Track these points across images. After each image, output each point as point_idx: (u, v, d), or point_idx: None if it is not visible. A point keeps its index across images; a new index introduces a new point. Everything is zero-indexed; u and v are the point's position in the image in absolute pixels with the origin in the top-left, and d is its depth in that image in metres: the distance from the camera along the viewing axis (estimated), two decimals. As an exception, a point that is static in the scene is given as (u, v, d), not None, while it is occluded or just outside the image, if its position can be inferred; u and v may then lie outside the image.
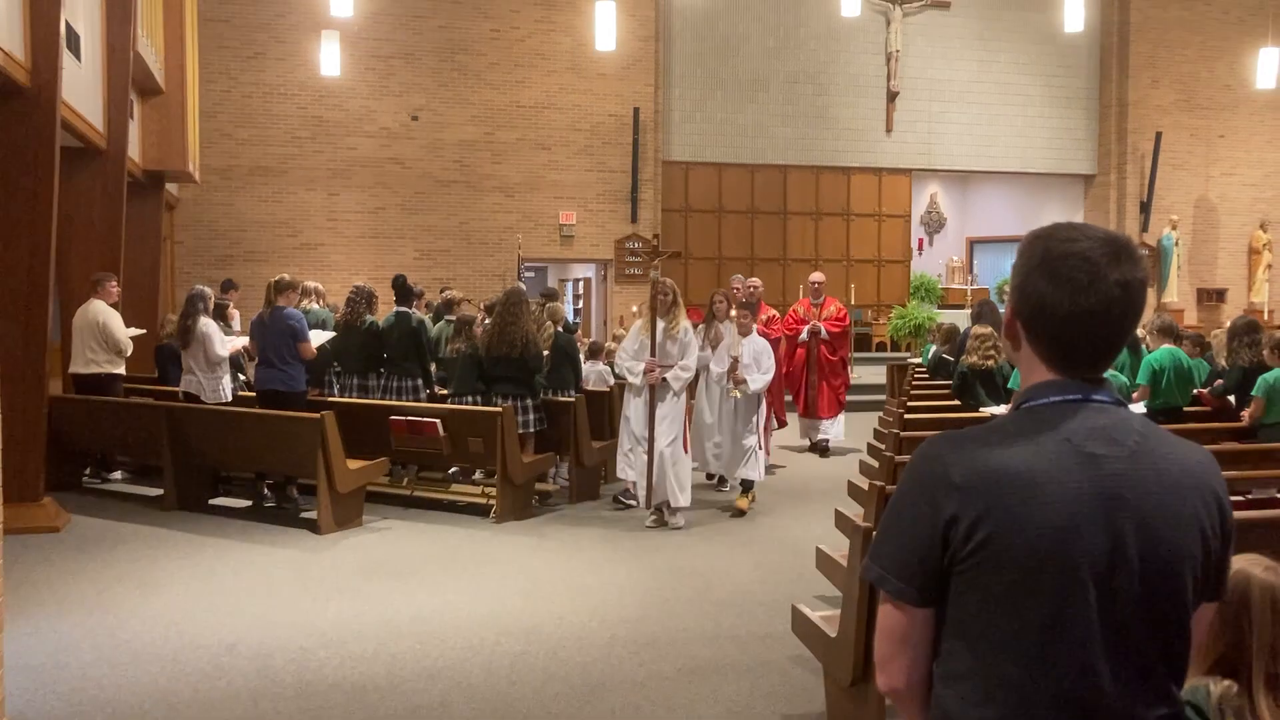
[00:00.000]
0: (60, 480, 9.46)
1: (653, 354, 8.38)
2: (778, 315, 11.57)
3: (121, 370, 9.97)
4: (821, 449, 12.30)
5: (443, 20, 18.75)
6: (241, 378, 10.93)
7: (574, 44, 18.94)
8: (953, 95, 21.37)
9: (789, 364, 12.08)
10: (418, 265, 18.32)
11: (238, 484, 9.82)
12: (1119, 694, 1.59)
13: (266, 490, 9.34)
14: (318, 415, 8.36)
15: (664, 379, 8.34)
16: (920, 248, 24.44)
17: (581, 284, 23.29)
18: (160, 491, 9.28)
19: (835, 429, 12.40)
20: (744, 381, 8.86)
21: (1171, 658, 1.64)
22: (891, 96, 21.07)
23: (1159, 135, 21.46)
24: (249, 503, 9.36)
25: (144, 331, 11.10)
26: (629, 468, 8.75)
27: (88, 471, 10.37)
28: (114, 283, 9.98)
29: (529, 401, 9.19)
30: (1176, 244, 21.67)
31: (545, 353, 9.60)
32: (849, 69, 20.93)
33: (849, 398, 16.22)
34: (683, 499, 8.44)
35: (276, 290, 9.27)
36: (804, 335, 12.21)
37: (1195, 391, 9.03)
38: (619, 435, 9.05)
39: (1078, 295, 1.63)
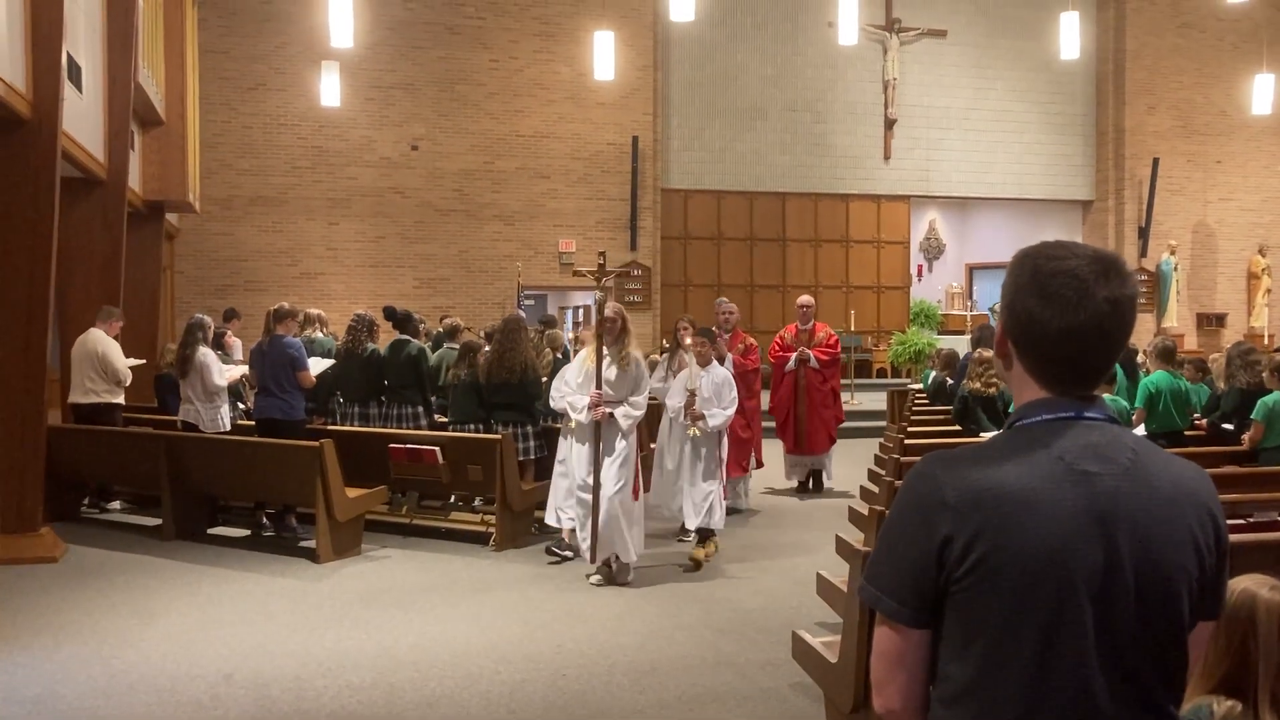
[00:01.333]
0: (59, 510, 9.43)
1: (598, 388, 7.43)
2: (756, 344, 10.51)
3: (120, 400, 9.96)
4: (809, 484, 11.35)
5: (442, 51, 18.88)
6: (242, 406, 10.91)
7: (573, 74, 19.07)
8: (950, 122, 21.49)
9: (776, 395, 11.35)
10: (418, 294, 18.36)
11: (236, 513, 9.79)
12: (1115, 712, 1.57)
13: (265, 519, 9.31)
14: (316, 444, 8.34)
15: (611, 416, 7.40)
16: (920, 274, 24.52)
17: (581, 311, 23.31)
18: (159, 521, 9.24)
19: (828, 466, 11.40)
20: (702, 417, 8.01)
21: (1168, 676, 1.62)
22: (889, 124, 21.20)
23: (1156, 161, 21.57)
24: (248, 532, 9.32)
25: (144, 361, 11.10)
26: (564, 515, 7.97)
27: (86, 501, 10.34)
28: (119, 322, 10.02)
29: (529, 429, 9.17)
30: (1175, 269, 21.73)
31: (545, 380, 9.58)
32: (847, 97, 21.06)
33: (849, 424, 16.32)
34: (633, 552, 7.53)
35: (275, 319, 9.27)
36: (791, 363, 11.18)
37: (1195, 419, 9.02)
38: (553, 479, 8.25)
39: (1067, 313, 1.62)
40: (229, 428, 9.65)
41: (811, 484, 11.39)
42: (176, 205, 14.76)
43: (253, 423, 9.56)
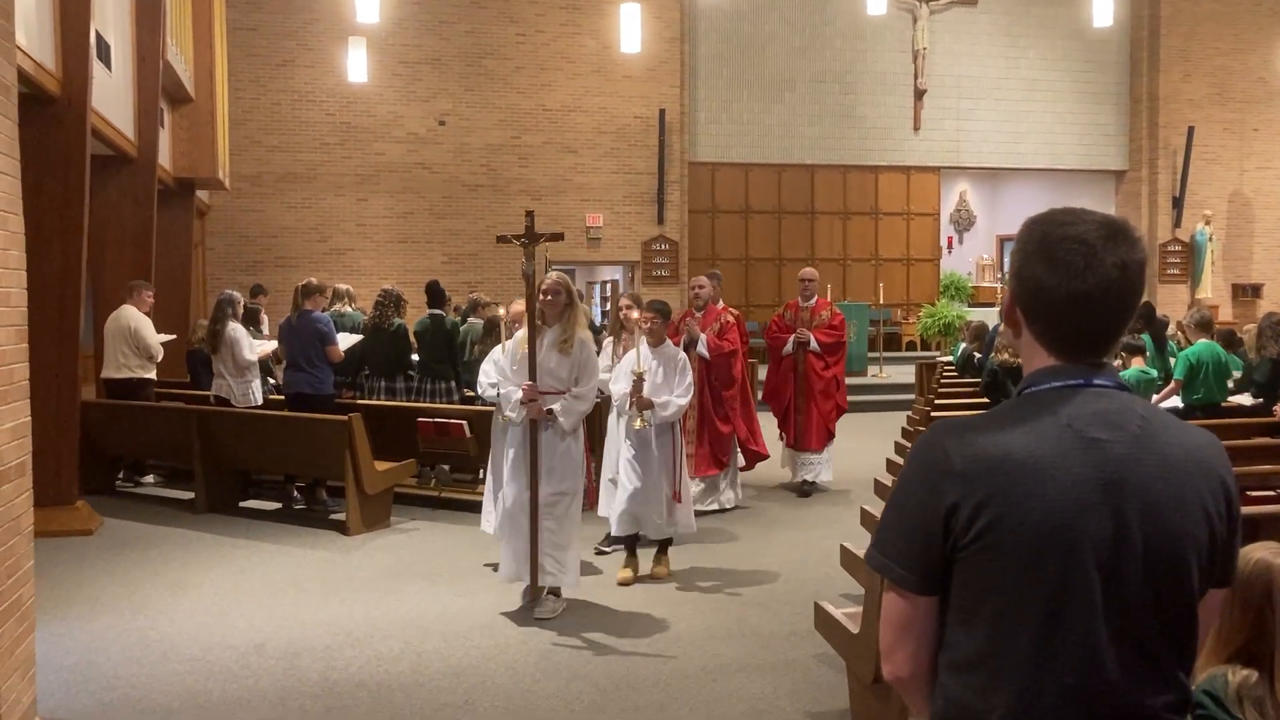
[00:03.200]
0: (94, 484, 9.58)
1: (532, 378, 6.06)
2: (734, 321, 8.98)
3: (153, 375, 10.09)
4: (804, 491, 9.71)
5: (469, 25, 18.84)
6: (271, 381, 11.02)
7: (599, 47, 18.98)
8: (981, 92, 21.24)
9: (771, 382, 9.96)
10: (446, 269, 18.41)
11: (268, 487, 9.91)
12: (1124, 680, 1.57)
13: (296, 493, 9.41)
14: (345, 418, 8.42)
15: (550, 411, 6.08)
16: (950, 246, 24.33)
17: (609, 286, 23.33)
18: (192, 495, 9.37)
19: (823, 469, 9.82)
20: (650, 406, 6.67)
21: (1178, 644, 1.62)
22: (919, 94, 20.97)
23: (1191, 130, 21.23)
24: (279, 505, 9.43)
25: (175, 337, 11.23)
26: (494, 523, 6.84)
27: (121, 475, 10.48)
28: (149, 291, 10.11)
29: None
30: (1210, 239, 21.42)
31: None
32: (876, 67, 20.85)
33: (877, 398, 16.26)
34: (566, 579, 6.21)
35: (304, 294, 9.35)
36: (789, 346, 9.69)
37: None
38: (486, 480, 7.23)
39: (1074, 278, 1.61)
40: (261, 402, 9.75)
41: (827, 477, 9.92)
42: (206, 182, 14.86)
43: (283, 397, 9.66)
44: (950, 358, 13.51)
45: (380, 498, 8.61)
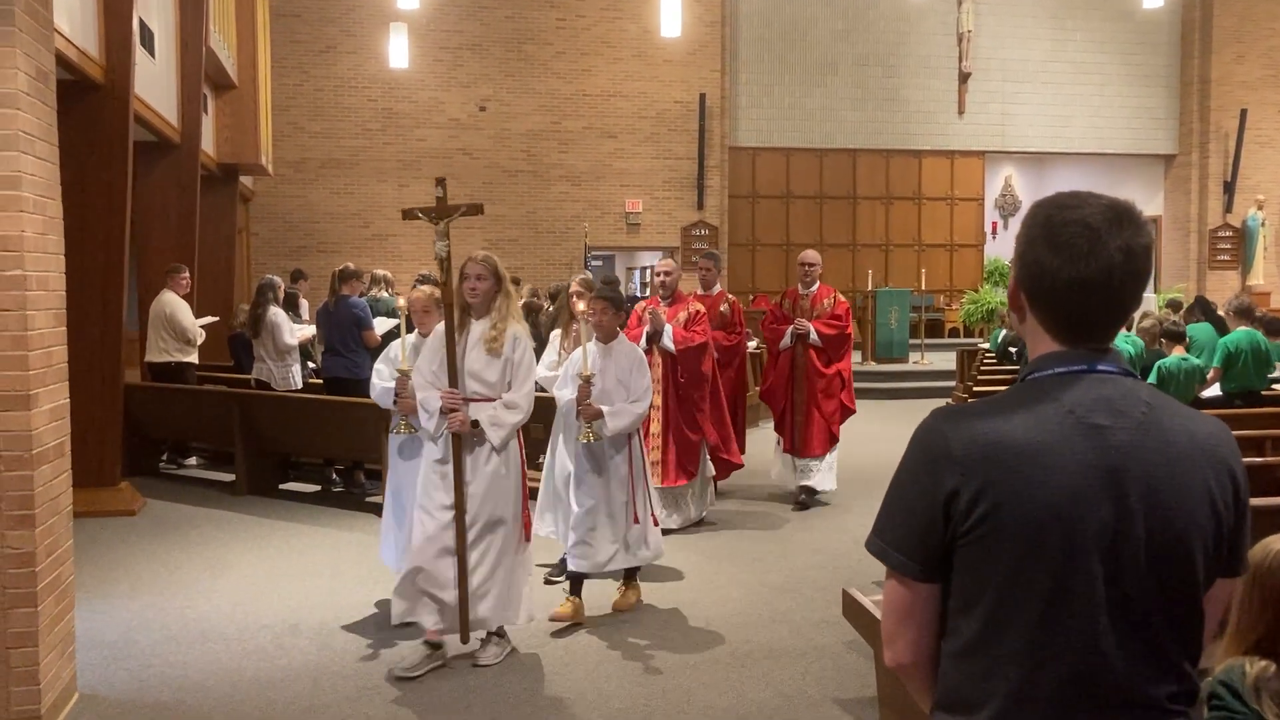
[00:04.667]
0: (137, 465, 9.75)
1: (454, 381, 5.03)
2: (704, 310, 7.92)
3: (194, 359, 10.24)
4: (801, 501, 8.65)
5: (509, 10, 18.86)
6: (311, 365, 11.15)
7: (640, 31, 18.93)
8: (1027, 75, 20.94)
9: (768, 379, 8.98)
10: (486, 254, 18.45)
11: (307, 469, 10.03)
12: (1127, 670, 1.55)
13: (334, 475, 9.52)
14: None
15: (475, 424, 5.01)
16: (994, 231, 24.02)
17: (648, 272, 23.30)
18: (232, 477, 9.50)
19: (824, 476, 8.71)
20: (599, 415, 5.62)
21: (1183, 634, 1.59)
22: (964, 77, 20.71)
23: (1244, 112, 20.80)
24: (317, 488, 9.54)
25: (216, 320, 11.38)
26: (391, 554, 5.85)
27: (164, 457, 10.66)
28: (185, 275, 10.25)
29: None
30: (1263, 224, 21.00)
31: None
32: (920, 50, 20.63)
33: (917, 384, 16.14)
34: (510, 614, 5.21)
35: (341, 279, 9.44)
36: (787, 339, 8.61)
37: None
38: (384, 508, 6.07)
39: (1077, 262, 1.59)
40: (300, 385, 9.87)
41: (830, 486, 8.82)
42: (249, 168, 15.02)
43: (321, 381, 9.77)
44: (990, 344, 13.37)
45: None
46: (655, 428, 7.54)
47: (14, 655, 4.33)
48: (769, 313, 9.02)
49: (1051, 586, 1.54)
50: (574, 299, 6.42)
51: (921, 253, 21.33)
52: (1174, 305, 12.26)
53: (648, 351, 7.32)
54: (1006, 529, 1.55)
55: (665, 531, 7.23)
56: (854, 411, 8.91)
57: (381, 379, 5.84)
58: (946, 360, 16.95)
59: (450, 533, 4.99)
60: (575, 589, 5.90)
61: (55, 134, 4.84)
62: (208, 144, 12.91)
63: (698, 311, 7.82)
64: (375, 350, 9.52)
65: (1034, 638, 1.55)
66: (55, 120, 4.84)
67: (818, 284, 8.75)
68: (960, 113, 20.92)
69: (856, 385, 15.93)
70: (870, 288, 17.83)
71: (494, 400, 5.07)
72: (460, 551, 5.01)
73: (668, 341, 7.58)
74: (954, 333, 20.99)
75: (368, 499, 8.99)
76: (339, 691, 4.92)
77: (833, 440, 8.67)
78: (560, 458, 6.35)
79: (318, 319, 9.72)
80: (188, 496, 9.22)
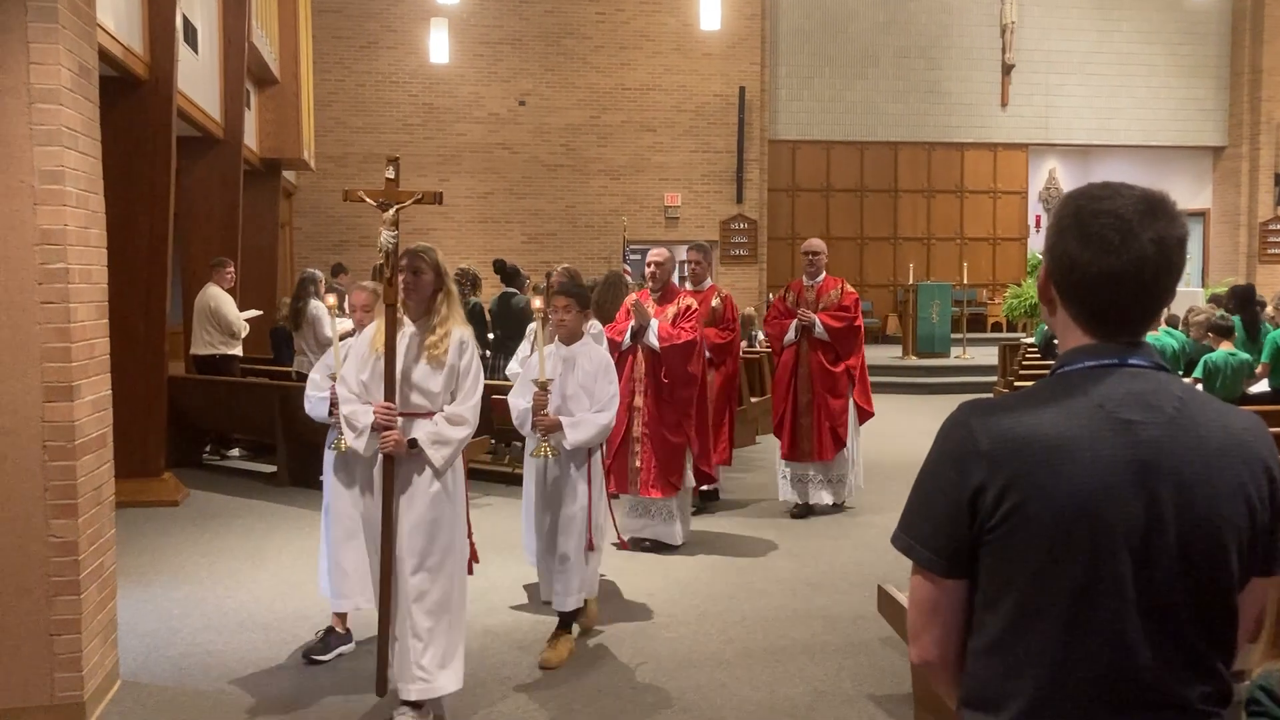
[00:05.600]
0: (181, 457, 9.88)
1: (389, 393, 4.27)
2: (696, 306, 7.25)
3: (237, 351, 10.36)
4: (797, 512, 8.07)
5: (549, 5, 18.89)
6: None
7: (679, 24, 18.89)
8: (1071, 67, 20.67)
9: (774, 377, 8.45)
10: (525, 249, 18.55)
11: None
12: (1157, 669, 1.52)
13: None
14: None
15: (414, 442, 4.29)
16: (1038, 224, 23.72)
17: (687, 266, 23.25)
18: (274, 468, 9.60)
19: (831, 485, 8.15)
20: (557, 427, 5.02)
21: (1216, 633, 1.56)
22: (1007, 69, 20.49)
23: (1296, 103, 20.39)
24: (357, 480, 9.61)
25: (260, 313, 11.50)
26: (342, 593, 5.21)
27: (207, 449, 10.79)
28: (230, 269, 10.37)
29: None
30: (1315, 217, 20.59)
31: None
32: (962, 42, 20.42)
33: (958, 379, 16.00)
34: (445, 681, 4.33)
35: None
36: (791, 334, 8.03)
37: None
38: (321, 536, 5.42)
39: (1108, 255, 1.55)
40: (341, 379, 9.95)
41: (828, 500, 8.19)
42: (292, 163, 15.17)
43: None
44: (1033, 339, 13.22)
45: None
46: (637, 431, 6.97)
47: (57, 642, 4.40)
48: (773, 306, 8.40)
49: (1079, 583, 1.52)
50: (532, 297, 5.79)
51: (964, 246, 21.13)
52: (1217, 300, 12.04)
53: (631, 349, 6.98)
54: (1033, 525, 1.52)
55: (642, 545, 7.06)
56: (871, 414, 8.26)
57: (317, 389, 5.24)
58: (988, 355, 16.78)
59: (414, 579, 4.28)
60: (565, 625, 5.30)
61: (98, 129, 4.90)
62: (250, 139, 13.04)
63: (689, 307, 7.14)
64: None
65: (1061, 635, 1.52)
66: (98, 116, 4.90)
67: (824, 274, 8.16)
68: (1003, 105, 20.70)
69: (897, 380, 16.07)
70: (911, 281, 17.68)
71: (428, 414, 4.32)
72: (384, 592, 4.28)
73: (653, 338, 6.92)
74: (996, 327, 20.78)
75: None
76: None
77: (839, 444, 8.00)
78: (526, 492, 5.78)
79: (358, 312, 9.79)
80: (230, 487, 9.34)
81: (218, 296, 10.10)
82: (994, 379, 14.77)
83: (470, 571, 4.62)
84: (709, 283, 8.21)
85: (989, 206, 21.27)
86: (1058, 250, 1.61)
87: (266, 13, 13.48)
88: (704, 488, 8.05)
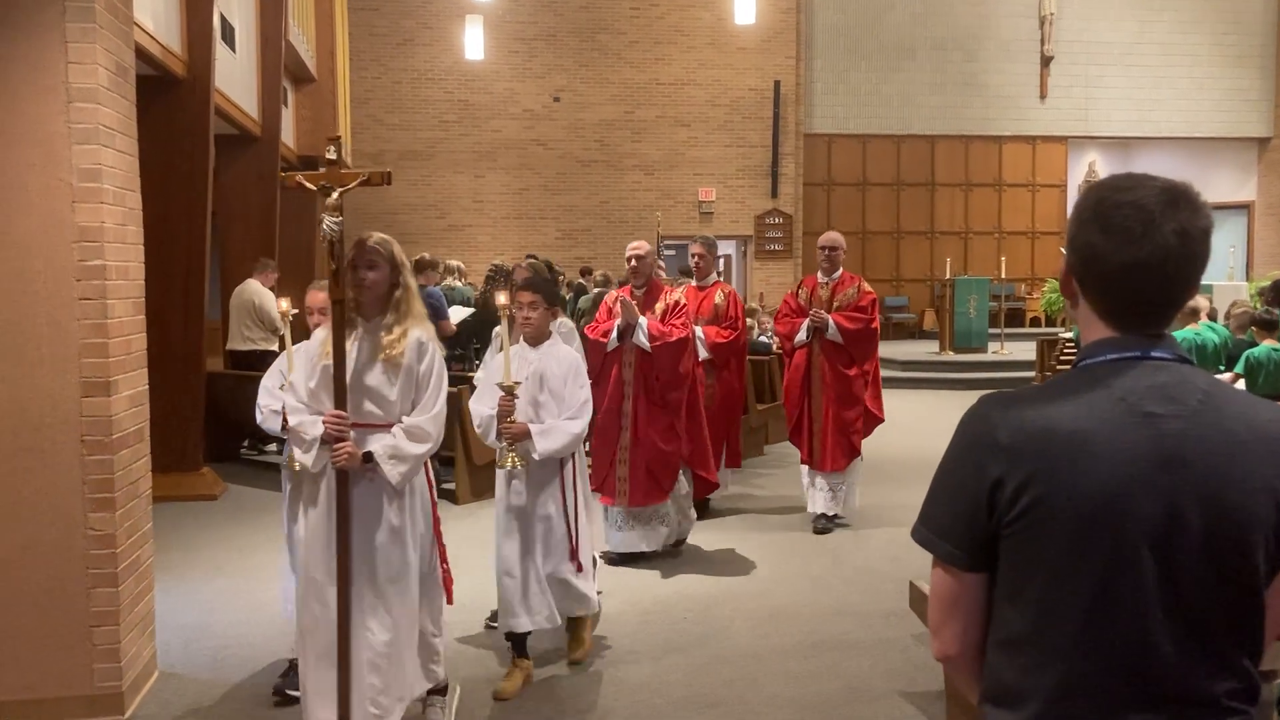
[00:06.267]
0: (219, 451, 9.99)
1: (340, 402, 3.79)
2: (684, 301, 6.74)
3: (274, 347, 10.45)
4: (819, 527, 7.56)
5: (583, 0, 18.90)
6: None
7: (713, 19, 18.85)
8: (1112, 58, 20.40)
9: (786, 380, 7.90)
10: (560, 245, 18.58)
11: (382, 456, 10.18)
12: (1180, 665, 1.50)
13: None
14: (455, 390, 8.58)
15: (369, 457, 3.80)
16: (1077, 218, 23.47)
17: (722, 261, 23.21)
18: (310, 463, 9.67)
19: (844, 495, 7.61)
20: (526, 435, 4.58)
21: (1242, 630, 1.53)
22: (1046, 61, 20.27)
23: (1344, 93, 20.02)
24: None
25: (298, 311, 11.58)
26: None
27: (245, 444, 10.90)
28: (274, 272, 10.49)
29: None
30: (1363, 209, 20.21)
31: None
32: (1000, 34, 20.22)
33: (995, 375, 15.84)
34: (412, 688, 4.04)
35: (416, 269, 9.53)
36: (802, 334, 7.44)
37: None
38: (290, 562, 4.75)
39: (1130, 246, 1.53)
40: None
41: (830, 511, 7.63)
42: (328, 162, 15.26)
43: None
44: (1071, 334, 13.07)
45: (488, 468, 8.76)
46: (626, 439, 6.52)
47: (96, 633, 4.47)
48: (784, 304, 7.81)
49: (1100, 579, 1.50)
50: (494, 293, 4.96)
51: (1002, 240, 20.93)
52: (1263, 294, 11.84)
53: (618, 348, 6.53)
54: (1052, 519, 1.50)
55: (632, 557, 6.65)
56: (881, 420, 7.74)
57: (270, 400, 4.74)
58: (1026, 350, 16.61)
59: (366, 609, 3.84)
60: (519, 649, 4.88)
61: (134, 127, 4.96)
62: (288, 136, 13.16)
63: (677, 303, 6.64)
64: (450, 339, 9.67)
65: (1082, 630, 1.51)
66: (135, 114, 4.97)
67: (840, 270, 7.58)
68: (1042, 97, 20.48)
69: (934, 375, 15.96)
70: (948, 276, 17.55)
71: (385, 425, 3.87)
72: (341, 628, 3.77)
73: (642, 337, 6.42)
74: (1035, 322, 20.57)
75: (442, 485, 9.10)
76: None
77: (853, 453, 7.50)
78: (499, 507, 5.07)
79: (393, 308, 9.87)
80: (267, 482, 9.42)
81: (260, 292, 10.21)
82: (1032, 374, 14.62)
83: (449, 600, 4.26)
84: (714, 278, 7.88)
85: (1027, 200, 21.06)
86: (1079, 242, 1.59)
87: (303, 11, 13.59)
88: (706, 497, 7.64)
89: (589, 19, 18.95)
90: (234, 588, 6.33)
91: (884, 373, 15.49)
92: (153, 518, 5.10)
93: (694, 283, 7.80)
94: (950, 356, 17.01)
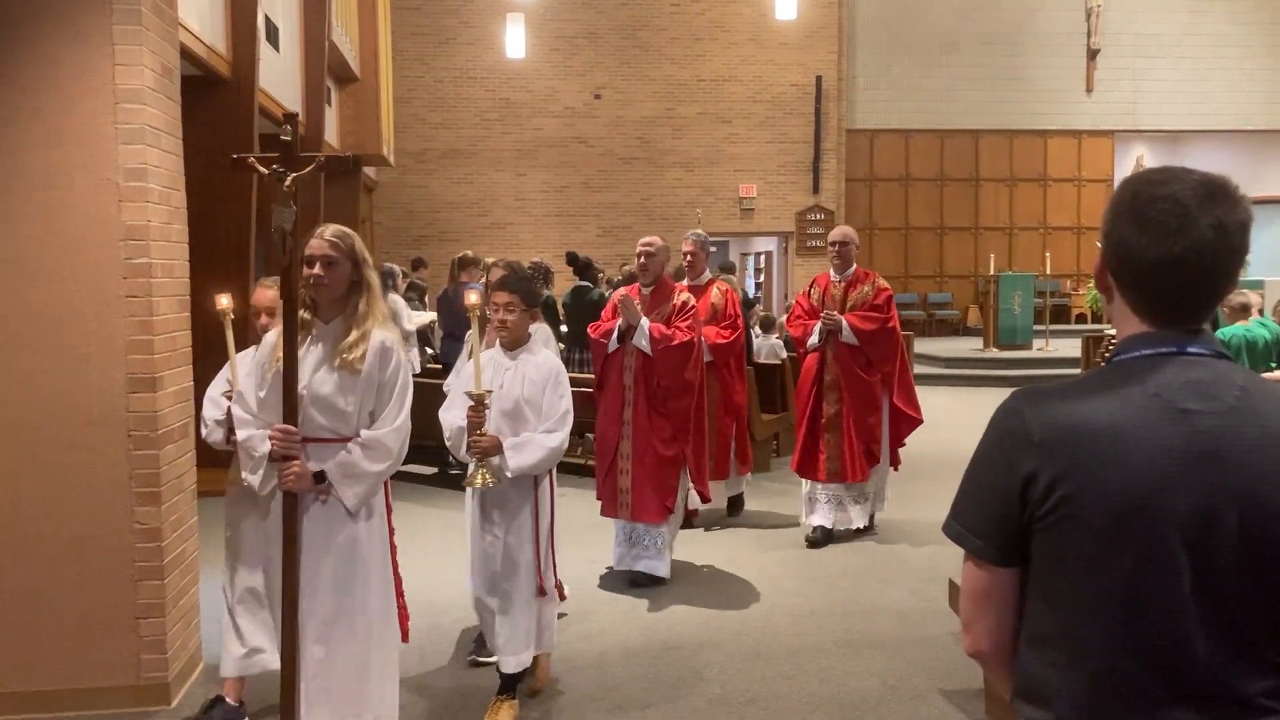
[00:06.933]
0: (267, 447, 10.09)
1: (289, 414, 3.41)
2: (693, 301, 6.27)
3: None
4: (812, 539, 7.03)
5: (624, -3, 18.94)
6: (429, 350, 11.41)
7: (755, 14, 18.80)
8: (1161, 50, 20.09)
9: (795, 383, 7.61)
10: (600, 242, 18.62)
11: (425, 451, 10.26)
12: (1215, 663, 1.48)
13: (452, 458, 9.72)
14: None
15: (320, 477, 3.44)
16: (1125, 213, 23.14)
17: (762, 257, 23.14)
18: (353, 458, 9.77)
19: (857, 511, 7.11)
20: (498, 449, 4.18)
21: (1278, 628, 1.51)
22: (1092, 54, 20.00)
23: (1401, 83, 19.58)
24: (435, 469, 9.77)
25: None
26: (241, 654, 4.26)
27: (292, 440, 11.03)
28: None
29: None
30: None
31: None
32: (1045, 27, 19.98)
33: (1041, 371, 15.65)
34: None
35: (460, 267, 9.65)
36: (814, 337, 7.02)
37: None
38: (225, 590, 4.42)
39: (1165, 240, 1.51)
40: (419, 370, 10.11)
41: (859, 523, 7.15)
42: (372, 159, 15.42)
43: (440, 366, 10.00)
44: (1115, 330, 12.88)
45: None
46: (626, 449, 6.12)
47: (143, 625, 4.55)
48: (795, 306, 7.38)
49: (1133, 576, 1.48)
50: (466, 293, 4.49)
51: (1047, 236, 20.70)
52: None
53: (619, 352, 6.13)
54: (1084, 515, 1.49)
55: (630, 578, 6.22)
56: (919, 421, 7.24)
57: (214, 409, 4.17)
58: (1072, 347, 16.40)
59: (316, 648, 3.49)
60: (507, 687, 4.45)
61: (179, 127, 5.04)
62: (331, 136, 13.29)
63: (685, 303, 6.17)
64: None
65: (1115, 628, 1.49)
66: (179, 114, 5.04)
67: (854, 267, 7.11)
68: (1088, 90, 20.22)
69: (978, 373, 15.80)
70: (993, 272, 17.38)
71: (341, 440, 3.48)
72: (287, 665, 3.42)
73: (643, 339, 6.01)
74: (1080, 318, 20.32)
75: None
76: (444, 670, 5.03)
77: (873, 460, 7.02)
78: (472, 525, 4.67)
79: (437, 305, 9.95)
80: (311, 477, 9.54)
81: (302, 290, 10.33)
82: (1077, 371, 14.43)
83: (405, 639, 3.81)
84: (708, 276, 7.45)
85: (1073, 195, 20.80)
86: (1114, 236, 1.58)
87: (346, 11, 13.72)
88: (694, 506, 7.14)
89: (630, 16, 18.96)
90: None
91: (927, 370, 15.54)
92: (198, 512, 5.18)
93: (687, 282, 7.34)
94: (994, 353, 16.86)
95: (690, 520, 7.32)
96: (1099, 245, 1.65)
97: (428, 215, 19.00)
